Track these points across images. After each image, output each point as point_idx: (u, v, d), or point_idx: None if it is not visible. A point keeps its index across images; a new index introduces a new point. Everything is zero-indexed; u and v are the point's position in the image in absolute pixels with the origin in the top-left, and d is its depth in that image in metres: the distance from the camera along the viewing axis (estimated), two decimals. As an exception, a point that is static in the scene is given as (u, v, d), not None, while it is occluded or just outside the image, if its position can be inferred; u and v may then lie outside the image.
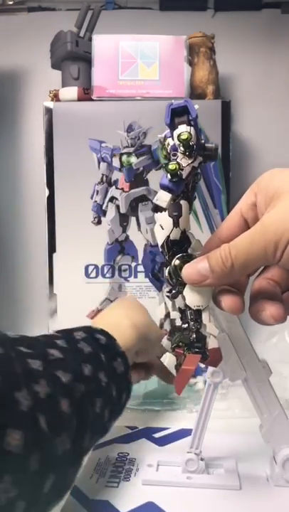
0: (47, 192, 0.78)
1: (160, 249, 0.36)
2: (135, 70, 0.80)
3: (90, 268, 0.78)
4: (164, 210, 0.35)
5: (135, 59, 0.80)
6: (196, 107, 0.35)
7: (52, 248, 0.78)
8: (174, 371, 0.35)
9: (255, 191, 0.36)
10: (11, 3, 0.97)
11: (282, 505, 0.38)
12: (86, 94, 0.80)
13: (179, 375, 0.35)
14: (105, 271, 0.78)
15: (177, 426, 0.55)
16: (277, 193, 0.32)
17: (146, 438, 0.51)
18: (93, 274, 0.78)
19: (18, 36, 0.97)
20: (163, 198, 0.35)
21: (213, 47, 0.83)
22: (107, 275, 0.78)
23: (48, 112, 0.78)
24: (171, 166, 0.33)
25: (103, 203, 0.78)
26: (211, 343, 0.35)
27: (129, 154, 0.77)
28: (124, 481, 0.42)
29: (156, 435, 0.52)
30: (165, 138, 0.35)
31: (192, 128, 0.34)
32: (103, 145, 0.77)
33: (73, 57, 0.82)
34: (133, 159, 0.77)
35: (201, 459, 0.42)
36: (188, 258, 0.34)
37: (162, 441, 0.50)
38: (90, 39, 0.81)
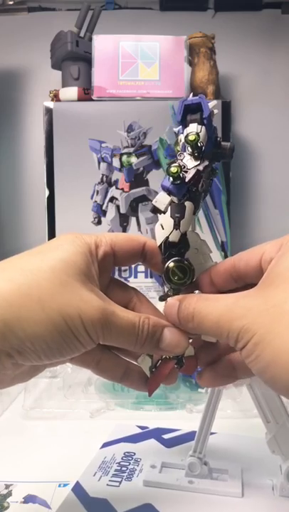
0: (47, 192, 0.78)
1: (154, 251, 0.34)
2: (135, 70, 0.80)
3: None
4: (163, 212, 0.33)
5: (135, 59, 0.80)
6: (214, 103, 0.33)
7: (52, 248, 0.78)
8: (148, 373, 0.35)
9: (262, 257, 0.32)
10: (11, 3, 0.97)
11: None
12: (86, 94, 0.80)
13: (152, 377, 0.35)
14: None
15: (188, 427, 0.53)
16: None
17: (155, 439, 0.50)
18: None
19: (18, 36, 0.97)
20: (162, 200, 0.33)
21: (213, 47, 0.83)
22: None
23: (48, 112, 0.78)
24: (173, 169, 0.31)
25: (103, 203, 0.78)
26: (188, 351, 0.34)
27: (129, 154, 0.77)
28: (126, 481, 0.42)
29: (166, 436, 0.51)
30: (178, 134, 0.33)
31: (204, 127, 0.32)
32: (103, 145, 0.77)
33: (73, 58, 0.82)
34: (133, 159, 0.77)
35: (205, 464, 0.41)
36: (182, 263, 0.34)
37: (170, 443, 0.49)
38: (90, 39, 0.81)
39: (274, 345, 0.27)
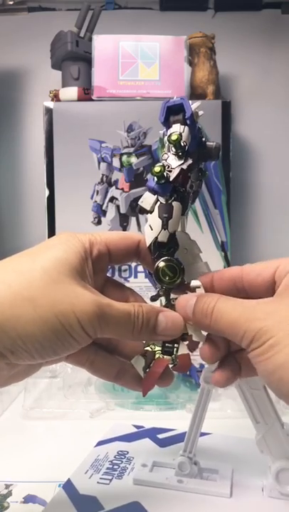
0: (47, 192, 0.78)
1: (147, 250, 0.35)
2: (135, 70, 0.80)
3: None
4: (149, 212, 0.34)
5: (135, 59, 0.80)
6: (197, 104, 0.34)
7: (52, 248, 0.78)
8: (142, 373, 0.35)
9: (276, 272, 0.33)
10: (11, 3, 0.97)
11: None
12: (86, 94, 0.80)
13: (146, 377, 0.35)
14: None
15: (184, 427, 0.54)
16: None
17: (150, 438, 0.50)
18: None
19: (18, 36, 0.97)
20: (148, 199, 0.34)
21: (213, 47, 0.83)
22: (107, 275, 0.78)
23: (48, 112, 0.78)
24: (156, 168, 0.32)
25: (103, 203, 0.78)
26: (181, 349, 0.35)
27: (129, 154, 0.77)
28: (117, 479, 0.42)
29: (161, 436, 0.51)
30: (164, 135, 0.34)
31: (186, 127, 0.33)
32: (103, 145, 0.77)
33: (73, 58, 0.82)
34: (133, 159, 0.77)
35: (195, 463, 0.41)
36: (172, 262, 0.34)
37: (164, 442, 0.49)
38: (90, 39, 0.81)
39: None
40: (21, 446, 0.52)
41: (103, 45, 0.80)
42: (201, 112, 0.34)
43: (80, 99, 0.80)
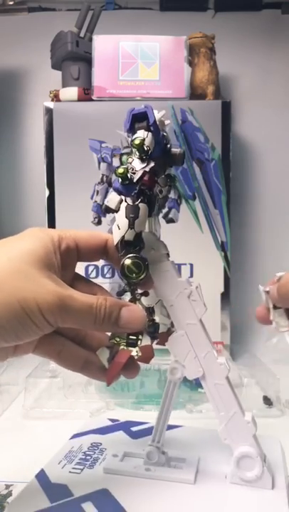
0: (47, 192, 0.78)
1: (115, 248, 0.37)
2: (135, 71, 0.80)
3: (90, 268, 0.78)
4: (114, 211, 0.36)
5: (135, 59, 0.80)
6: (162, 113, 0.36)
7: (52, 248, 0.78)
8: (106, 364, 0.37)
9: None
10: (11, 3, 0.98)
11: (230, 502, 0.38)
12: (86, 94, 0.80)
13: (110, 367, 0.37)
14: (105, 271, 0.78)
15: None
16: None
17: (123, 430, 0.52)
18: (93, 274, 0.78)
19: (18, 36, 0.97)
20: (113, 199, 0.36)
21: (213, 47, 0.83)
22: (107, 275, 0.78)
23: (48, 112, 0.78)
24: (120, 170, 0.35)
25: (103, 203, 0.78)
26: (144, 341, 0.37)
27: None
28: (88, 469, 0.43)
29: (134, 428, 0.52)
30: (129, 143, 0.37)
31: (150, 133, 0.35)
32: (103, 145, 0.77)
33: (73, 58, 0.82)
34: (133, 159, 0.77)
35: (163, 453, 0.43)
36: (137, 259, 0.36)
37: (138, 435, 0.50)
38: (91, 39, 0.81)
39: None
40: (21, 446, 0.52)
41: (103, 45, 0.80)
42: (167, 121, 0.38)
43: (80, 100, 0.80)
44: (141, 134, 0.35)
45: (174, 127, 0.78)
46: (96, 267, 0.78)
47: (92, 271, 0.77)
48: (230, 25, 0.96)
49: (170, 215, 0.78)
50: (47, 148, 0.78)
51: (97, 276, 0.77)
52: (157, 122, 0.36)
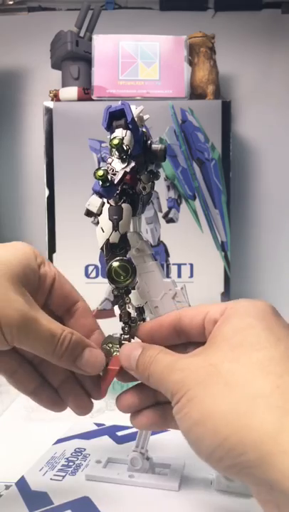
0: (47, 192, 0.78)
1: (100, 251, 0.36)
2: (135, 70, 0.80)
3: (90, 268, 0.78)
4: (96, 214, 0.35)
5: (135, 59, 0.80)
6: (141, 108, 0.35)
7: (52, 248, 0.78)
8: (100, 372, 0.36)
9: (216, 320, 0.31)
10: (11, 3, 0.97)
11: (215, 510, 0.37)
12: (86, 94, 0.80)
13: (104, 375, 0.35)
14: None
15: None
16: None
17: (108, 435, 0.51)
18: (93, 275, 0.78)
19: (18, 36, 0.97)
20: (94, 202, 0.35)
21: (213, 47, 0.83)
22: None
23: (48, 111, 0.78)
24: (99, 172, 0.33)
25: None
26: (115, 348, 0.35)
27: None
28: (70, 476, 0.42)
29: (120, 433, 0.51)
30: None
31: (128, 132, 0.34)
32: (103, 145, 0.77)
33: (73, 57, 0.82)
34: (133, 159, 0.77)
35: (147, 458, 0.42)
36: (124, 262, 0.34)
37: (123, 440, 0.49)
38: (90, 39, 0.81)
39: (204, 404, 0.26)
40: (21, 446, 0.52)
41: (103, 44, 0.80)
42: (146, 116, 0.36)
43: (80, 99, 0.80)
44: (119, 132, 0.34)
45: (174, 127, 0.78)
46: (96, 267, 0.77)
47: (92, 271, 0.77)
48: (230, 25, 0.96)
49: (170, 215, 0.78)
50: (47, 148, 0.78)
51: (96, 276, 0.77)
52: (136, 119, 0.34)
